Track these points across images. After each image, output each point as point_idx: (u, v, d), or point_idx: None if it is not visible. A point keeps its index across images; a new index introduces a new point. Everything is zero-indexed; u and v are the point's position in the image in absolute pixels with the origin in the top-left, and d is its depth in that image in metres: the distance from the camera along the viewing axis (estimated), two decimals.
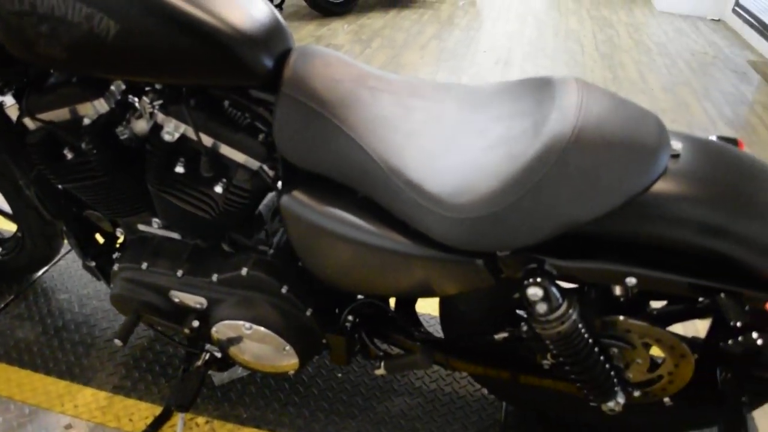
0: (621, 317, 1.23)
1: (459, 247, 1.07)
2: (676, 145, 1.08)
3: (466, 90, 1.21)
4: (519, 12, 5.84)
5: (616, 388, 1.24)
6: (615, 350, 1.28)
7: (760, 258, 1.04)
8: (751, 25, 5.53)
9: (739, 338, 1.07)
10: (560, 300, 1.09)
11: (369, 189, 1.12)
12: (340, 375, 1.74)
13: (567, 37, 5.12)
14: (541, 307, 1.09)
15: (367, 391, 1.69)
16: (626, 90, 4.07)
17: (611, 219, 1.04)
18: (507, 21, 5.47)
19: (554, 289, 1.09)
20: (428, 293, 1.22)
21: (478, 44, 4.70)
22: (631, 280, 1.07)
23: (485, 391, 1.70)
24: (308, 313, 1.36)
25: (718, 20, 6.30)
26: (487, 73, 4.09)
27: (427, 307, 1.97)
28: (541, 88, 1.11)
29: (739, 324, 1.07)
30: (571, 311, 1.11)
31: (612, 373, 1.22)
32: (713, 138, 1.30)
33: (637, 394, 1.33)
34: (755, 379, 1.28)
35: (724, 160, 1.09)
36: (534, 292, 1.08)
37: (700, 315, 1.29)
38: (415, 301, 1.49)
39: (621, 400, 1.27)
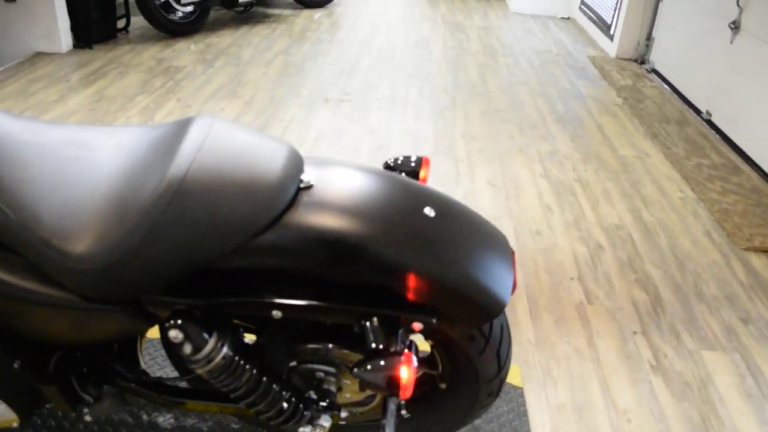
0: (312, 345, 1.23)
1: (94, 296, 1.06)
2: (310, 176, 1.11)
3: (127, 134, 1.20)
4: (373, 21, 5.91)
5: (306, 413, 1.25)
6: (321, 374, 1.29)
7: (397, 281, 1.06)
8: (593, 22, 5.81)
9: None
10: (206, 338, 1.09)
11: (15, 246, 1.10)
12: (88, 418, 1.69)
13: (417, 44, 5.22)
14: (187, 348, 1.07)
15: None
16: (464, 92, 4.18)
17: (243, 254, 1.04)
18: (360, 31, 5.54)
19: (198, 329, 1.07)
20: (105, 340, 1.20)
21: (326, 56, 4.73)
22: (278, 313, 1.08)
23: None
24: (16, 365, 1.32)
25: (568, 18, 6.58)
26: (329, 86, 4.12)
27: None
28: (179, 130, 1.11)
29: (381, 346, 1.10)
30: (220, 346, 1.09)
31: (294, 398, 1.23)
32: (412, 156, 1.34)
33: (345, 414, 1.36)
34: None
35: (364, 188, 1.11)
36: (174, 334, 1.06)
37: None
38: (135, 341, 1.47)
39: (325, 423, 1.27)
